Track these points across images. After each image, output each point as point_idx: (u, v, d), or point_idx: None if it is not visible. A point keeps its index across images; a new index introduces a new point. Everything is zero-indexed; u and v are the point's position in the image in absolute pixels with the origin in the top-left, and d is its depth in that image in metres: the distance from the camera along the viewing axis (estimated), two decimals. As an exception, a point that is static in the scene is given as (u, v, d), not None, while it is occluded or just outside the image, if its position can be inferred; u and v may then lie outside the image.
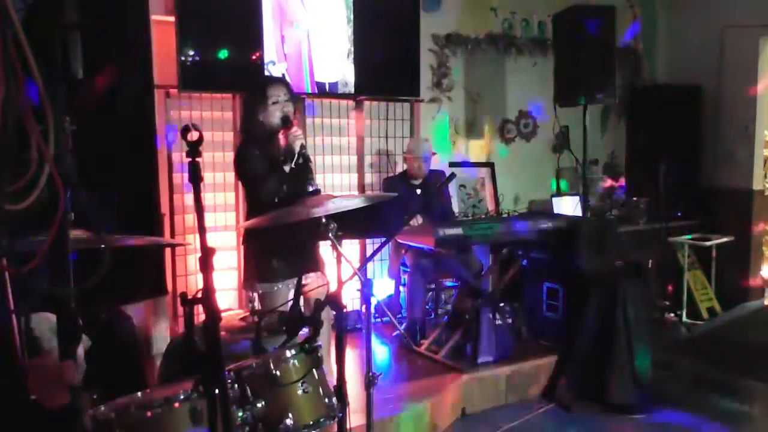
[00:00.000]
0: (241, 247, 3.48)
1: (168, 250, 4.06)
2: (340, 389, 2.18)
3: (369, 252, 4.89)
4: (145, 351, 3.85)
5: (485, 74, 5.57)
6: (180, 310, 3.78)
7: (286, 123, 2.99)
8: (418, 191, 4.61)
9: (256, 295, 3.05)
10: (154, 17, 3.87)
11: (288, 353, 2.06)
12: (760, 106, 5.78)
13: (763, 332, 5.07)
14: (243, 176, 3.19)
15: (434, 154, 4.77)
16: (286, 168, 2.95)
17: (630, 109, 6.26)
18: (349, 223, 2.49)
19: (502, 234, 4.14)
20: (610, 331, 3.83)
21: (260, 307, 2.98)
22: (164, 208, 4.07)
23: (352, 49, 4.72)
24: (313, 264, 3.12)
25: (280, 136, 3.03)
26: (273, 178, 2.95)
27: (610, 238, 4.58)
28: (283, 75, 4.40)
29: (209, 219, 4.24)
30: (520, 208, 5.54)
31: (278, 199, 2.94)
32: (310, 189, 3.09)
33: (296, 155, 2.96)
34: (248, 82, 3.75)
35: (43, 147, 1.17)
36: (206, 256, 1.52)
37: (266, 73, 4.34)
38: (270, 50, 4.39)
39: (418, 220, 4.28)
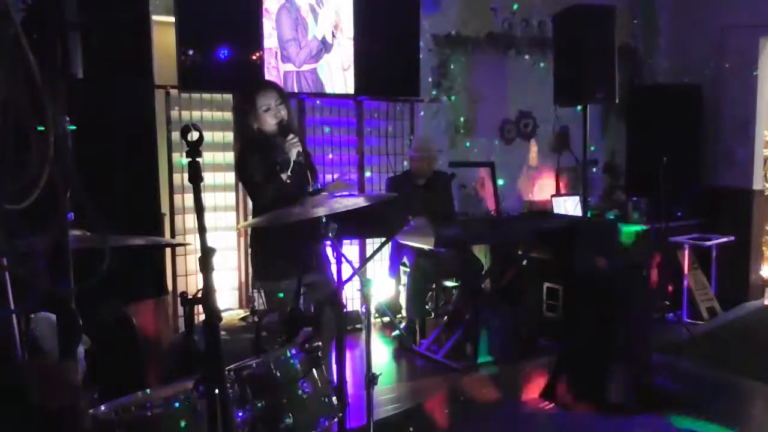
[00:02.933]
0: (243, 247, 3.48)
1: (168, 250, 4.06)
2: (340, 389, 2.18)
3: (369, 252, 4.89)
4: (145, 351, 3.85)
5: (485, 74, 5.58)
6: (180, 310, 3.78)
7: (284, 132, 2.91)
8: (422, 191, 4.62)
9: (257, 294, 3.05)
10: (154, 17, 3.88)
11: (288, 353, 2.06)
12: (760, 106, 5.78)
13: (763, 332, 5.07)
14: (242, 182, 3.19)
15: (440, 151, 4.77)
16: (283, 176, 2.89)
17: (630, 109, 6.25)
18: (350, 223, 2.49)
19: (502, 234, 4.14)
20: (610, 331, 3.82)
21: (264, 306, 2.98)
22: (164, 208, 4.07)
23: (353, 49, 4.72)
24: (315, 264, 3.11)
25: (278, 142, 2.96)
26: (271, 187, 2.91)
27: (610, 238, 4.59)
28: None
29: (209, 219, 4.24)
30: (519, 209, 5.55)
31: (278, 204, 2.93)
32: (310, 189, 3.08)
33: (292, 164, 2.88)
34: (237, 87, 3.63)
35: (42, 147, 1.17)
36: (206, 256, 1.52)
37: (266, 73, 4.34)
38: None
39: (422, 220, 4.27)
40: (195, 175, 1.53)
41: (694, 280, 5.49)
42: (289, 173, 2.89)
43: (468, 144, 5.58)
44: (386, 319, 4.86)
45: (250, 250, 3.23)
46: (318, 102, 4.75)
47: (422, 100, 5.17)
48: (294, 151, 2.86)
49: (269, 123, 2.96)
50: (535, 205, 5.71)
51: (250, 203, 3.54)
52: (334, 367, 2.25)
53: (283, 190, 2.88)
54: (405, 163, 5.11)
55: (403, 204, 3.61)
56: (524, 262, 4.53)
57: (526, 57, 5.73)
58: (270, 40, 4.40)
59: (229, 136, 4.36)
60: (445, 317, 4.53)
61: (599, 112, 6.23)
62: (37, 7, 1.30)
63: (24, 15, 1.26)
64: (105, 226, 1.31)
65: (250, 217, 3.77)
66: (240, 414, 1.89)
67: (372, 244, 4.93)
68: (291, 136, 2.89)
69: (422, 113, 5.24)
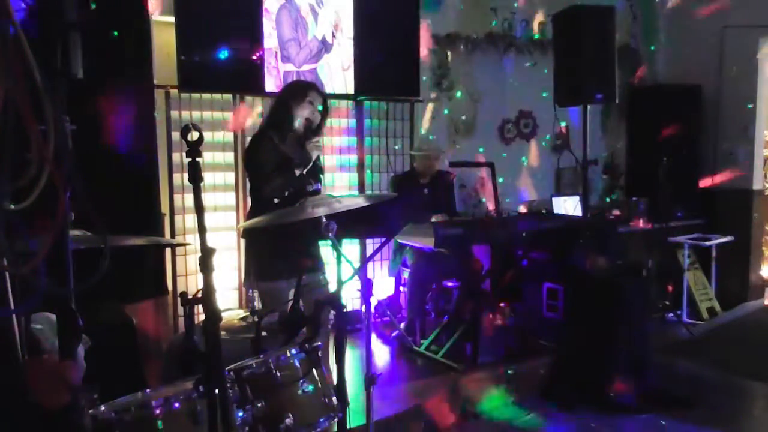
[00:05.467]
0: (242, 247, 3.48)
1: (168, 250, 4.06)
2: (340, 389, 2.18)
3: (369, 252, 4.89)
4: (145, 351, 3.85)
5: (485, 74, 5.58)
6: (180, 310, 3.78)
7: (309, 132, 3.10)
8: (426, 190, 4.62)
9: (256, 294, 3.05)
10: (154, 17, 3.87)
11: (288, 353, 2.06)
12: (759, 106, 5.78)
13: (763, 332, 5.07)
14: (250, 167, 3.21)
15: (444, 151, 4.78)
16: (297, 172, 3.03)
17: (630, 109, 6.25)
18: (350, 223, 2.49)
19: (502, 234, 4.14)
20: (610, 331, 3.82)
21: (260, 306, 2.98)
22: (164, 208, 4.07)
23: (353, 49, 4.72)
24: (314, 263, 3.12)
25: (293, 139, 3.11)
26: (280, 177, 2.98)
27: (610, 238, 4.59)
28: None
29: (209, 219, 4.24)
30: (520, 208, 5.54)
31: (279, 200, 2.96)
32: (309, 189, 3.10)
33: (310, 164, 3.07)
34: (237, 87, 4.10)
35: (42, 147, 1.17)
36: (206, 256, 1.52)
37: (266, 73, 4.34)
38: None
39: (438, 218, 4.28)
40: (195, 175, 1.53)
41: (694, 280, 5.50)
42: (303, 172, 3.06)
43: (468, 144, 5.57)
44: (386, 319, 4.86)
45: (244, 249, 3.25)
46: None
47: (422, 100, 5.17)
48: (315, 153, 3.09)
49: (302, 116, 3.12)
50: (535, 205, 5.70)
51: (249, 203, 3.54)
52: (334, 367, 2.24)
53: (291, 184, 3.01)
54: (406, 163, 5.10)
55: (406, 203, 3.65)
56: (524, 262, 4.52)
57: (526, 57, 5.72)
58: (270, 40, 4.40)
59: (229, 135, 4.37)
60: (445, 317, 4.53)
61: (599, 112, 6.23)
62: (37, 7, 1.30)
63: (24, 15, 1.26)
64: (105, 226, 1.31)
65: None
66: (240, 414, 1.89)
67: (372, 244, 4.93)
68: (317, 138, 3.11)
69: (422, 113, 5.24)
